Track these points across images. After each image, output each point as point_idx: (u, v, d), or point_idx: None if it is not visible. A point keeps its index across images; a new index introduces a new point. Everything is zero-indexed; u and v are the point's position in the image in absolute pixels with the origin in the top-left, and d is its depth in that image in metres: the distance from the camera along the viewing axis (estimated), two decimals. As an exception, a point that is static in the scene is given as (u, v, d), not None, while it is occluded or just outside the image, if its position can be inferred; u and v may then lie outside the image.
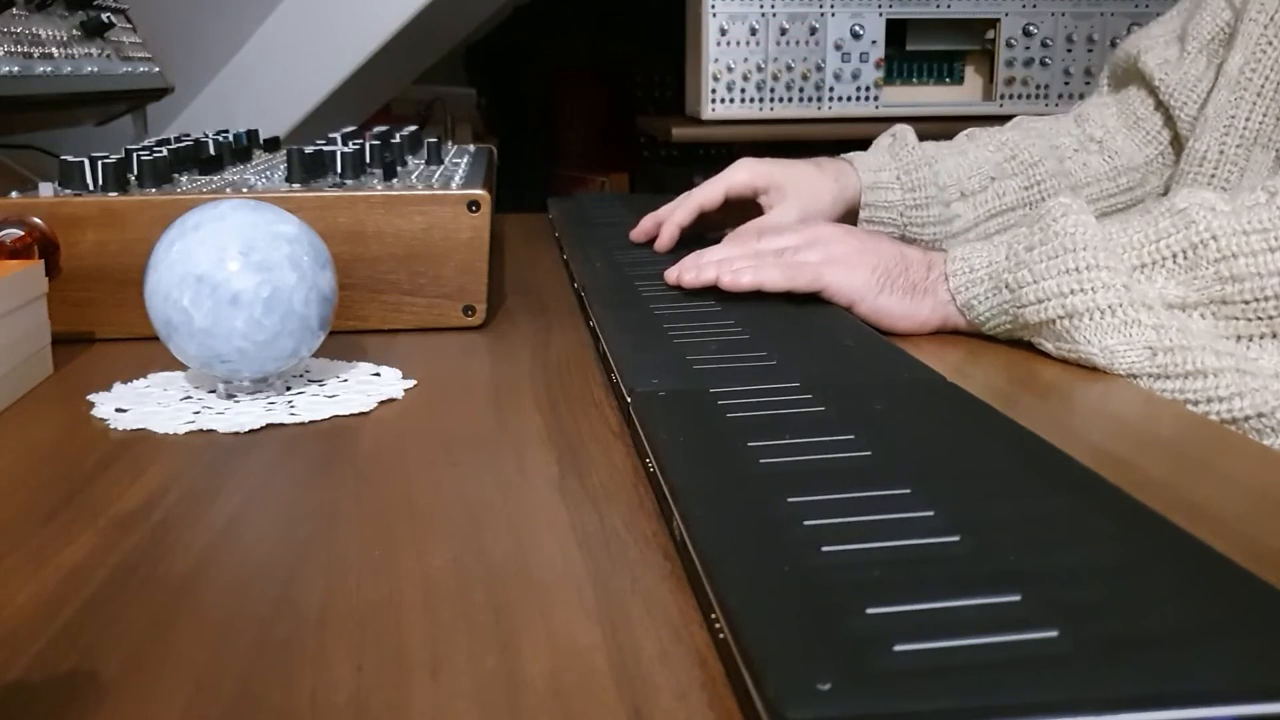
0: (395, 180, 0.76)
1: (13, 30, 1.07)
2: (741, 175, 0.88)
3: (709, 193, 0.88)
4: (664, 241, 0.88)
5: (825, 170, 0.89)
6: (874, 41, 1.99)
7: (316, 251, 0.57)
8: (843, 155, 0.92)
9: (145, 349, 0.64)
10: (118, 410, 0.55)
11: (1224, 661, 0.27)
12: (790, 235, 0.73)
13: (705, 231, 0.90)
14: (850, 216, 0.89)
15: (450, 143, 1.12)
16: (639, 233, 0.91)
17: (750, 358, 0.56)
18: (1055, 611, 0.29)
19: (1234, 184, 0.80)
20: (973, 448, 0.43)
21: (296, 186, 0.74)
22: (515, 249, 1.06)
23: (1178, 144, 0.89)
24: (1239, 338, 0.60)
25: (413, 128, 1.04)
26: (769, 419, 0.46)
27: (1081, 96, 2.05)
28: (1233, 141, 0.79)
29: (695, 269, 0.72)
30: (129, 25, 1.39)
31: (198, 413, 0.55)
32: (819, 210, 0.87)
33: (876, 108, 2.01)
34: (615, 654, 0.32)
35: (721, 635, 0.31)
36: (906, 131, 0.92)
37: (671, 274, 0.74)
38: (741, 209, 0.89)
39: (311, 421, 0.54)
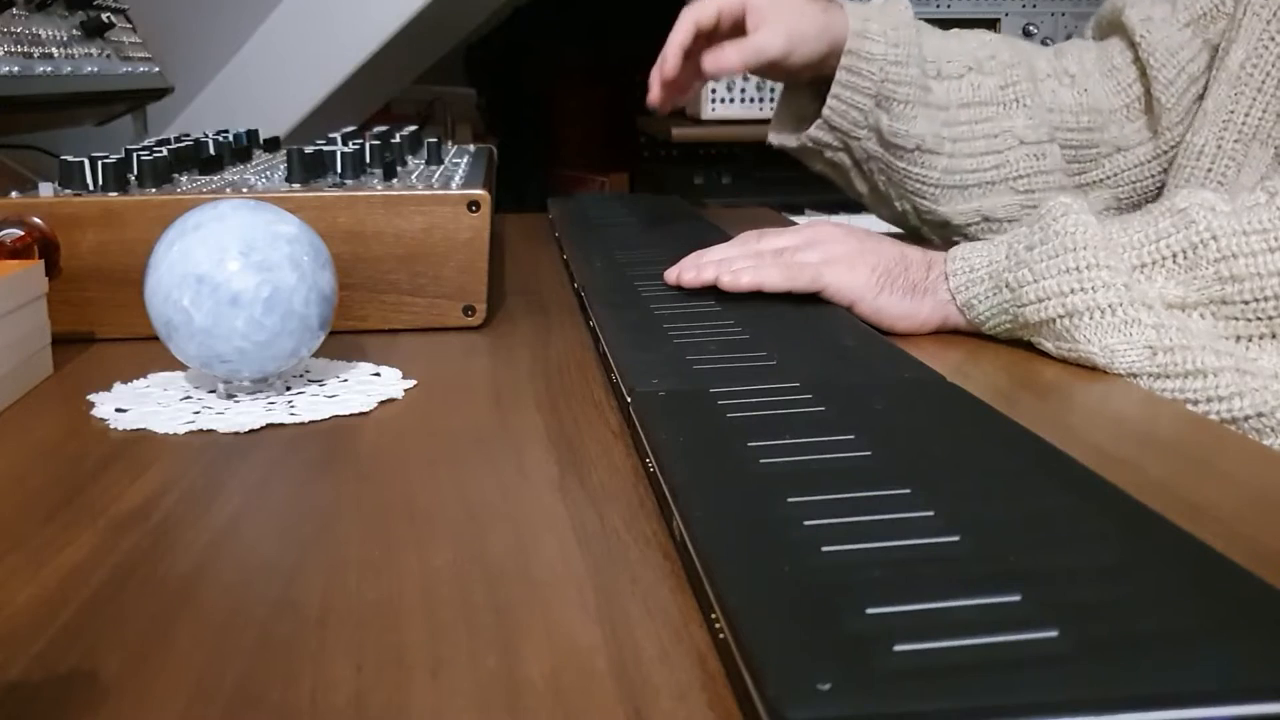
0: (395, 180, 0.76)
1: (13, 30, 1.07)
2: None
3: (702, 10, 0.85)
4: (670, 66, 0.85)
5: (814, 2, 0.87)
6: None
7: (316, 251, 0.57)
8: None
9: (145, 349, 0.64)
10: (118, 410, 0.55)
11: (1224, 661, 0.27)
12: (790, 235, 0.73)
13: (696, 53, 0.87)
14: (832, 55, 0.87)
15: (450, 143, 1.12)
16: (653, 85, 0.87)
17: (750, 358, 0.56)
18: (1055, 611, 0.29)
19: (1231, 179, 0.80)
20: (973, 447, 0.43)
21: (296, 186, 0.74)
22: (515, 249, 1.06)
23: (1147, 101, 0.88)
24: (1239, 338, 0.60)
25: (413, 128, 1.04)
26: (769, 419, 0.46)
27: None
28: (1230, 137, 0.79)
29: (695, 269, 0.72)
30: (129, 25, 1.39)
31: (198, 413, 0.55)
32: (804, 37, 0.85)
33: (876, 108, 2.01)
34: (615, 654, 0.32)
35: (721, 635, 0.31)
36: None
37: (671, 274, 0.74)
38: (731, 37, 0.86)
39: (311, 421, 0.54)
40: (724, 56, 0.84)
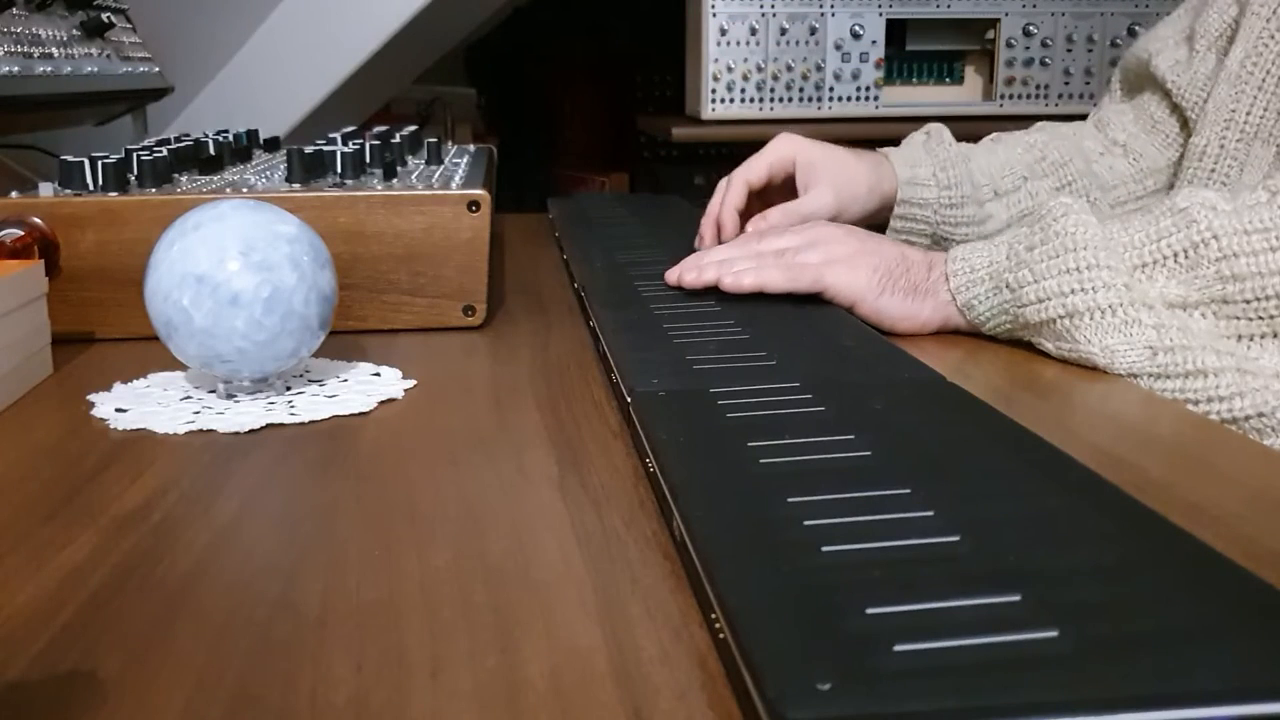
0: (395, 180, 0.76)
1: (13, 30, 1.07)
2: (784, 148, 0.86)
3: (753, 169, 0.86)
4: (728, 230, 0.85)
5: (863, 159, 0.88)
6: (874, 41, 1.99)
7: (316, 251, 0.57)
8: (879, 149, 0.91)
9: (145, 349, 0.64)
10: (118, 410, 0.55)
11: (1224, 661, 0.27)
12: (791, 236, 0.73)
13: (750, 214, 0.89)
14: (884, 210, 0.88)
15: (450, 143, 1.12)
16: (707, 239, 0.87)
17: (750, 358, 0.56)
18: (1055, 611, 0.29)
19: (1234, 179, 0.80)
20: (973, 448, 0.43)
21: (296, 186, 0.74)
22: (515, 249, 1.06)
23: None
24: (1240, 337, 0.60)
25: (413, 128, 1.04)
26: (769, 419, 0.46)
27: (1082, 97, 2.06)
28: (1233, 136, 0.79)
29: (696, 269, 0.72)
30: (129, 25, 1.39)
31: (198, 413, 0.55)
32: (854, 198, 0.86)
33: (876, 108, 2.01)
34: (615, 654, 0.32)
35: (721, 635, 0.31)
36: (942, 130, 0.91)
37: (672, 274, 0.74)
38: (775, 192, 0.88)
39: (311, 421, 0.54)
40: (768, 223, 0.83)
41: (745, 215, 0.86)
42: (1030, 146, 0.92)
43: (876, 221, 0.89)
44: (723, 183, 0.88)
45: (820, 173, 0.85)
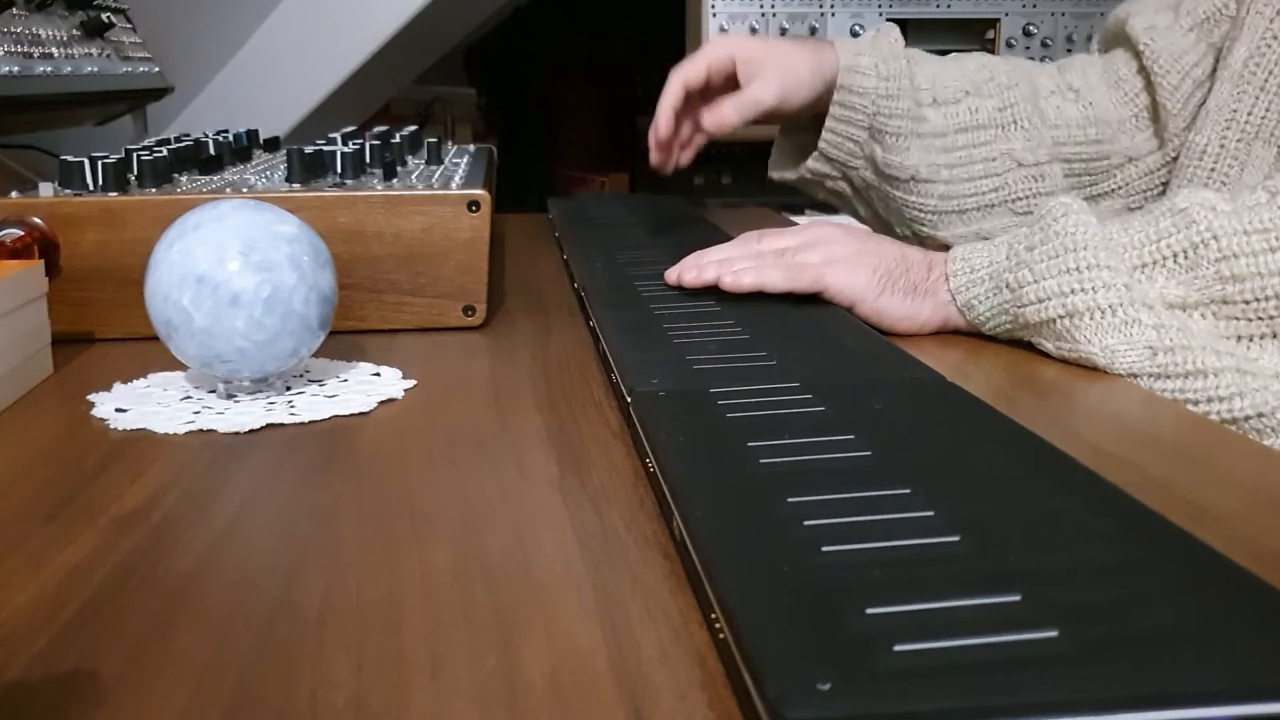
0: (395, 180, 0.76)
1: (13, 30, 1.07)
2: (720, 50, 0.87)
3: (690, 70, 0.86)
4: (662, 128, 0.86)
5: (803, 46, 0.89)
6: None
7: (316, 251, 0.57)
8: (827, 37, 0.91)
9: (145, 349, 0.64)
10: (118, 410, 0.55)
11: (1224, 661, 0.27)
12: (791, 236, 0.73)
13: (693, 110, 0.89)
14: (828, 94, 0.88)
15: (450, 143, 1.12)
16: (653, 147, 0.88)
17: (750, 358, 0.56)
18: (1055, 611, 0.29)
19: (1234, 178, 0.79)
20: (973, 448, 0.43)
21: (296, 186, 0.74)
22: (515, 249, 1.06)
23: (1154, 110, 0.89)
24: (1239, 337, 0.60)
25: (413, 128, 1.04)
26: (769, 419, 0.46)
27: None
28: (1234, 136, 0.79)
29: (696, 269, 0.72)
30: (129, 25, 1.39)
31: (198, 413, 0.55)
32: (798, 81, 0.86)
33: (876, 108, 2.01)
34: (615, 654, 0.32)
35: (721, 635, 0.31)
36: (892, 28, 0.92)
37: (672, 274, 0.74)
38: (725, 89, 0.87)
39: (311, 421, 0.54)
40: (722, 114, 0.85)
41: (687, 115, 0.87)
42: (982, 66, 0.93)
43: (821, 110, 0.89)
44: (670, 76, 0.88)
45: (762, 63, 0.86)
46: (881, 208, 0.95)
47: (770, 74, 0.85)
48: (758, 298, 0.68)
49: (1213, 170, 0.80)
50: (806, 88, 0.87)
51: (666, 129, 0.86)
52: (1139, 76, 0.90)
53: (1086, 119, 0.91)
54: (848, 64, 0.88)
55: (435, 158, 0.90)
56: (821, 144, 0.91)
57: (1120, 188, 0.92)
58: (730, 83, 0.87)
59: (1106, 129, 0.90)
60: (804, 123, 0.95)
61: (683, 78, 0.86)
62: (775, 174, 1.00)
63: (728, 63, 0.86)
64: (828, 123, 0.89)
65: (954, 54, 0.96)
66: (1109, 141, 0.91)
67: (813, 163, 0.93)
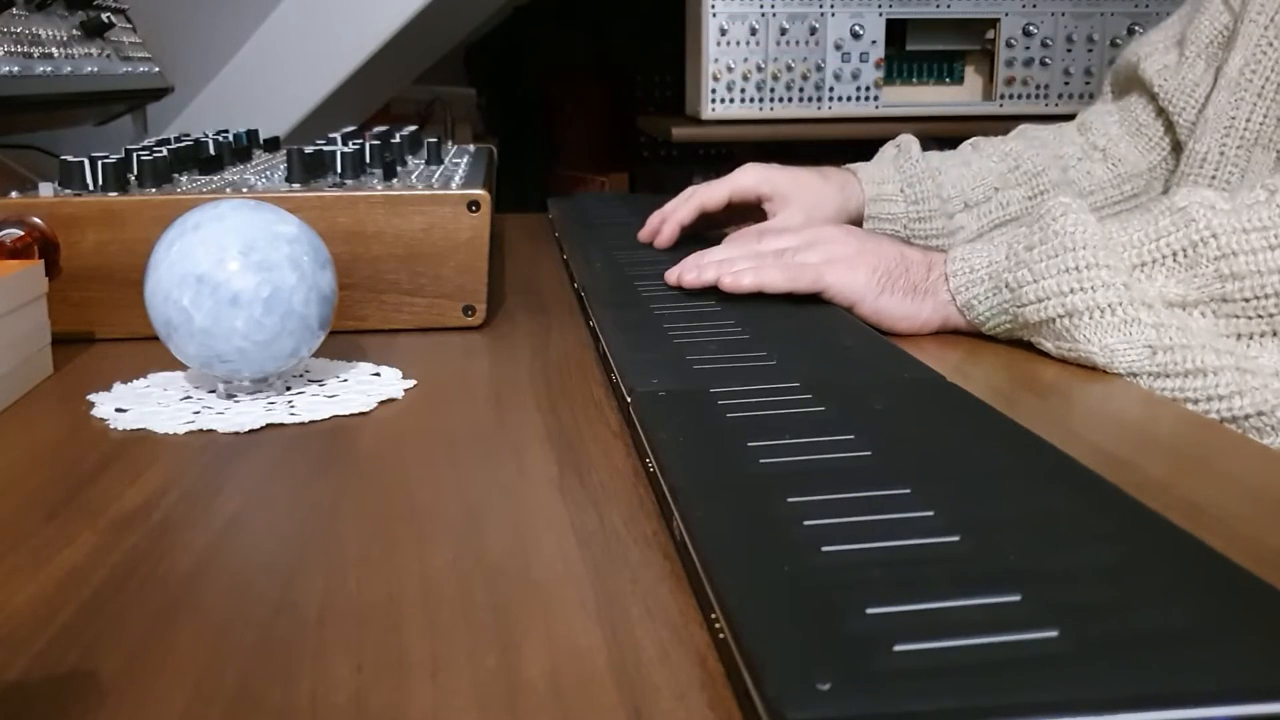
0: (395, 180, 0.76)
1: (13, 30, 1.07)
2: (747, 179, 0.88)
3: (712, 193, 0.88)
4: (664, 238, 0.88)
5: (830, 180, 0.89)
6: (874, 41, 1.99)
7: (316, 251, 0.57)
8: (847, 166, 0.92)
9: (145, 349, 0.64)
10: (118, 410, 0.55)
11: (1224, 661, 0.27)
12: (791, 236, 0.73)
13: (706, 231, 0.90)
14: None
15: (450, 143, 1.12)
16: (646, 232, 0.91)
17: (750, 358, 0.56)
18: (1055, 611, 0.29)
19: (1234, 185, 0.80)
20: (973, 448, 0.43)
21: (296, 186, 0.74)
22: (515, 249, 1.06)
23: (1179, 150, 0.89)
24: (1239, 336, 0.60)
25: (413, 128, 1.04)
26: (769, 419, 0.46)
27: (1082, 97, 2.05)
28: (1233, 143, 0.79)
29: (696, 269, 0.72)
30: (129, 25, 1.39)
31: (198, 413, 0.55)
32: (823, 220, 0.87)
33: (876, 108, 2.01)
34: (615, 654, 0.32)
35: (721, 635, 0.31)
36: (911, 142, 0.92)
37: (672, 274, 0.74)
38: (744, 213, 0.89)
39: (311, 421, 0.54)
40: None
41: (692, 232, 0.89)
42: (1005, 155, 0.93)
43: None
44: (685, 192, 0.90)
45: (787, 199, 0.87)
46: None
47: (795, 210, 0.87)
48: (758, 298, 0.68)
49: (1213, 178, 0.81)
50: (831, 222, 0.87)
51: (668, 242, 0.88)
52: (1159, 121, 0.91)
53: (1119, 177, 0.92)
54: (873, 194, 0.89)
55: (435, 158, 0.90)
56: None
57: None
58: (745, 206, 0.89)
59: (1139, 182, 0.91)
60: None
61: (701, 201, 0.88)
62: None
63: (751, 194, 0.88)
64: None
65: (973, 141, 0.95)
66: (1144, 193, 0.92)
67: None
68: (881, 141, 0.95)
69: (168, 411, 0.55)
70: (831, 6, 1.97)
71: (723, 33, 1.96)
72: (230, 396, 0.57)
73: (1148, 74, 0.90)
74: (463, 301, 0.72)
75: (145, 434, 0.53)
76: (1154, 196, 0.92)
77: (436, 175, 0.81)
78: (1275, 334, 0.59)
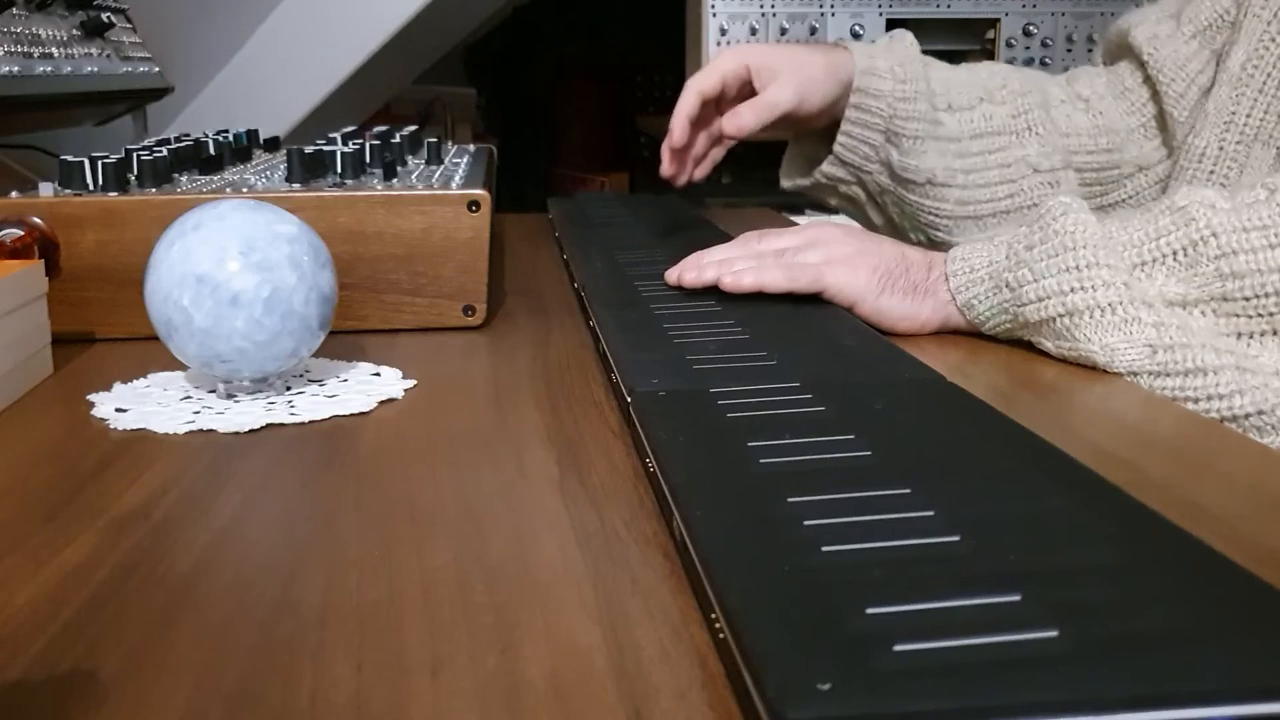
0: (395, 180, 0.76)
1: (13, 30, 1.07)
2: (734, 58, 0.87)
3: (704, 79, 0.87)
4: (676, 137, 0.86)
5: (818, 50, 0.89)
6: (874, 41, 1.99)
7: (316, 251, 0.57)
8: (839, 40, 0.92)
9: (145, 349, 0.64)
10: (118, 410, 0.55)
11: (1224, 661, 0.27)
12: (791, 236, 0.73)
13: (708, 122, 0.90)
14: (844, 96, 0.89)
15: (450, 143, 1.12)
16: (665, 167, 0.89)
17: (750, 358, 0.56)
18: (1055, 611, 0.29)
19: (1234, 180, 0.80)
20: (973, 448, 0.43)
21: (296, 186, 0.74)
22: (515, 249, 1.06)
23: (1162, 119, 0.89)
24: (1239, 335, 0.60)
25: (413, 128, 1.04)
26: (769, 419, 0.46)
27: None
28: (1233, 138, 0.79)
29: (696, 269, 0.72)
30: (129, 25, 1.39)
31: (198, 413, 0.55)
32: (812, 81, 0.86)
33: (876, 107, 2.01)
34: (615, 654, 0.32)
35: (721, 635, 0.31)
36: (905, 33, 0.92)
37: (672, 274, 0.74)
38: (739, 99, 0.88)
39: (311, 421, 0.54)
40: (740, 118, 0.85)
41: (701, 128, 0.88)
42: (994, 73, 0.93)
43: (837, 115, 0.90)
44: (682, 94, 0.88)
45: (777, 68, 0.86)
46: (896, 213, 0.95)
47: (786, 78, 0.86)
48: (758, 298, 0.68)
49: (1212, 173, 0.81)
50: (822, 90, 0.87)
51: (681, 138, 0.87)
52: (1145, 87, 0.90)
53: (1097, 128, 0.91)
54: (864, 66, 0.88)
55: (435, 158, 0.90)
56: (837, 147, 0.91)
57: (1131, 196, 0.92)
58: (744, 93, 0.88)
59: (1116, 138, 0.91)
60: (815, 133, 0.95)
61: (697, 87, 0.87)
62: (787, 182, 1.00)
63: (742, 71, 0.87)
64: (844, 125, 0.89)
65: (966, 63, 0.96)
66: (1119, 150, 0.91)
67: (828, 167, 0.93)
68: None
69: (168, 411, 0.55)
70: (831, 6, 1.97)
71: (723, 33, 1.96)
72: (230, 396, 0.57)
73: (1138, 41, 0.90)
74: (463, 301, 0.72)
75: (145, 434, 0.53)
76: (1125, 159, 0.91)
77: (436, 175, 0.81)
78: (1275, 333, 0.59)
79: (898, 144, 0.89)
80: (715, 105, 0.88)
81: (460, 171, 0.83)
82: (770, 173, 1.05)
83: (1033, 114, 0.91)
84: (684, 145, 0.87)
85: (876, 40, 0.93)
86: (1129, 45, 0.91)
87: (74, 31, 1.20)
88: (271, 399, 0.57)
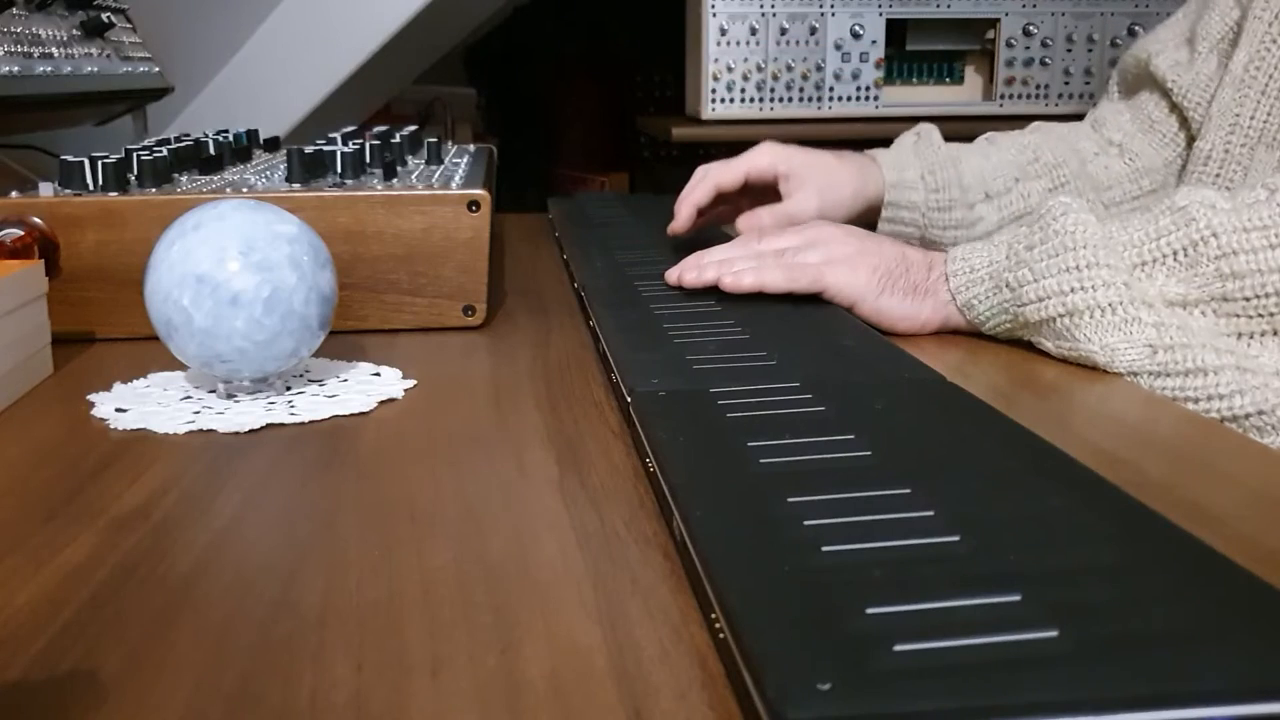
0: (395, 180, 0.76)
1: (13, 30, 1.07)
2: (763, 159, 0.87)
3: (728, 173, 0.87)
4: (679, 223, 0.87)
5: (847, 163, 0.88)
6: (874, 41, 1.99)
7: (316, 251, 0.57)
8: (866, 151, 0.91)
9: (145, 349, 0.64)
10: (118, 410, 0.55)
11: (1224, 661, 0.27)
12: (791, 236, 0.73)
13: (720, 217, 0.90)
14: (870, 213, 0.88)
15: (450, 143, 1.12)
16: (675, 224, 0.89)
17: (750, 358, 0.56)
18: (1055, 611, 0.29)
19: (1238, 183, 0.80)
20: (973, 448, 0.43)
21: (296, 186, 0.74)
22: (515, 249, 1.06)
23: (1193, 143, 0.89)
24: (1239, 335, 0.60)
25: (413, 128, 1.04)
26: (769, 419, 0.46)
27: (1082, 97, 2.05)
28: (1238, 140, 0.79)
29: (696, 269, 0.72)
30: (129, 25, 1.39)
31: (198, 413, 0.55)
32: (838, 202, 0.86)
33: (876, 108, 2.01)
34: (615, 654, 0.32)
35: (721, 635, 0.31)
36: (931, 130, 0.91)
37: (672, 274, 0.74)
38: (760, 194, 0.88)
39: (311, 421, 0.54)
40: (759, 219, 0.84)
41: (710, 209, 0.88)
42: (1024, 148, 0.92)
43: (862, 225, 0.89)
44: (699, 172, 0.88)
45: (804, 179, 0.86)
46: None
47: (811, 191, 0.85)
48: (758, 298, 0.68)
49: (1217, 176, 0.81)
50: (847, 210, 0.87)
51: (684, 226, 0.87)
52: (1172, 116, 0.90)
53: (1136, 171, 0.91)
54: (893, 180, 0.88)
55: (435, 158, 0.90)
56: None
57: None
58: (762, 187, 0.87)
59: (1156, 177, 0.91)
60: None
61: (716, 181, 0.86)
62: None
63: (768, 173, 0.87)
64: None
65: (988, 135, 0.95)
66: (1162, 188, 0.91)
67: None
68: (881, 142, 0.95)
69: (168, 411, 0.55)
70: (831, 6, 1.97)
71: (723, 33, 1.96)
72: (230, 396, 0.57)
73: (1160, 70, 0.89)
74: (463, 301, 0.72)
75: (145, 434, 0.53)
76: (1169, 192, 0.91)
77: (436, 175, 0.81)
78: (1276, 333, 0.59)
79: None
80: (728, 195, 0.88)
81: (460, 171, 0.83)
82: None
83: (1070, 185, 0.90)
84: (686, 231, 0.87)
85: (901, 138, 0.92)
86: (1150, 75, 0.91)
87: (74, 31, 1.20)
88: (271, 399, 0.57)
